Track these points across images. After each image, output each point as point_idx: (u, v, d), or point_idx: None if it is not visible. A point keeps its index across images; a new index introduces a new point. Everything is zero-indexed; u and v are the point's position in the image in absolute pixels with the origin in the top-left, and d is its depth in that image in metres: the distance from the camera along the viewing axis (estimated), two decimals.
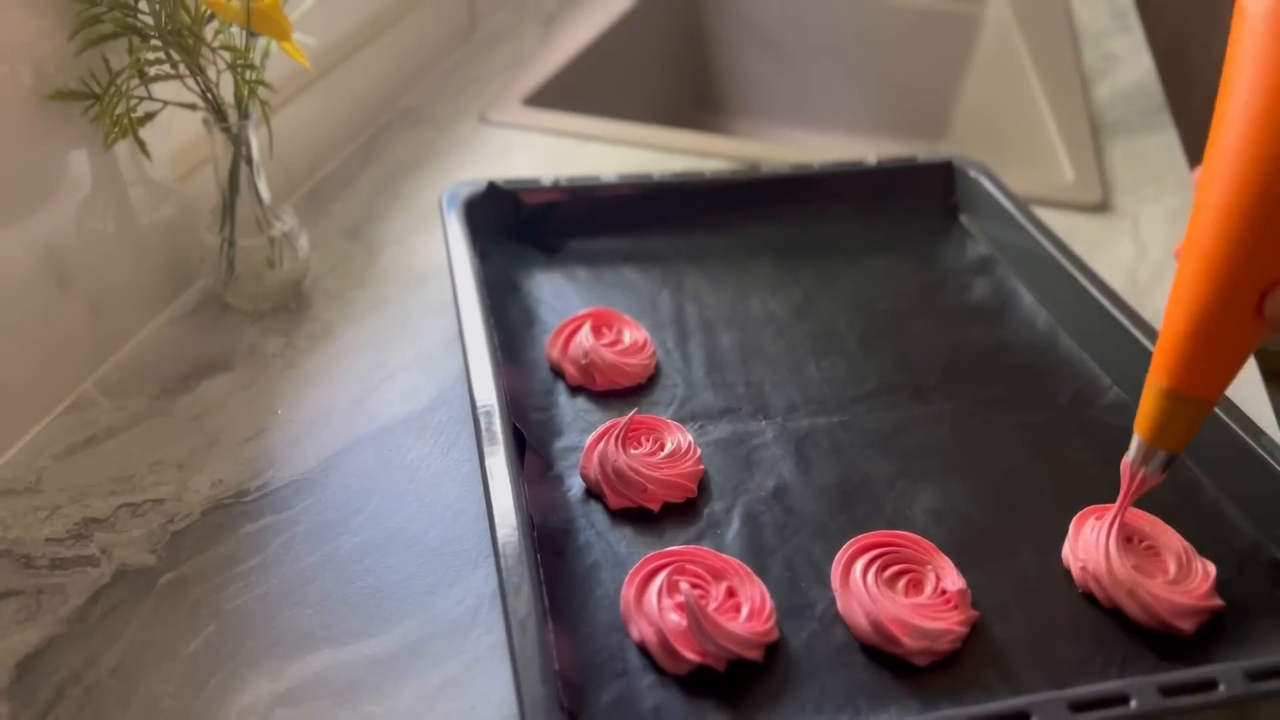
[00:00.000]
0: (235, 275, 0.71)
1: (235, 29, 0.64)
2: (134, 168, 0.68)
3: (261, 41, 0.66)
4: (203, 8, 0.62)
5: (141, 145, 0.64)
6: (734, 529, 0.56)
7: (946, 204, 0.84)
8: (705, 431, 0.62)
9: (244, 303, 0.73)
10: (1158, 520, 0.55)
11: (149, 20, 0.61)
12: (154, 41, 0.61)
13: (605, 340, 0.66)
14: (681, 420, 0.62)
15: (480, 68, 1.12)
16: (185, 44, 0.62)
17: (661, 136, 0.99)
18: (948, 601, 0.50)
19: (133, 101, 0.62)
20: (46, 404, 0.64)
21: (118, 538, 0.56)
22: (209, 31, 0.63)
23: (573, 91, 1.13)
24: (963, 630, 0.50)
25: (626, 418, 0.59)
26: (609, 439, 0.58)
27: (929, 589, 0.51)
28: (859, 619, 0.50)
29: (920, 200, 0.84)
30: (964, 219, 0.84)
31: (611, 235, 0.79)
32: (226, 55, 0.64)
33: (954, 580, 0.51)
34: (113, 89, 0.61)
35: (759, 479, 0.59)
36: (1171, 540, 0.54)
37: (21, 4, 0.57)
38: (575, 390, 0.65)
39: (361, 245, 0.82)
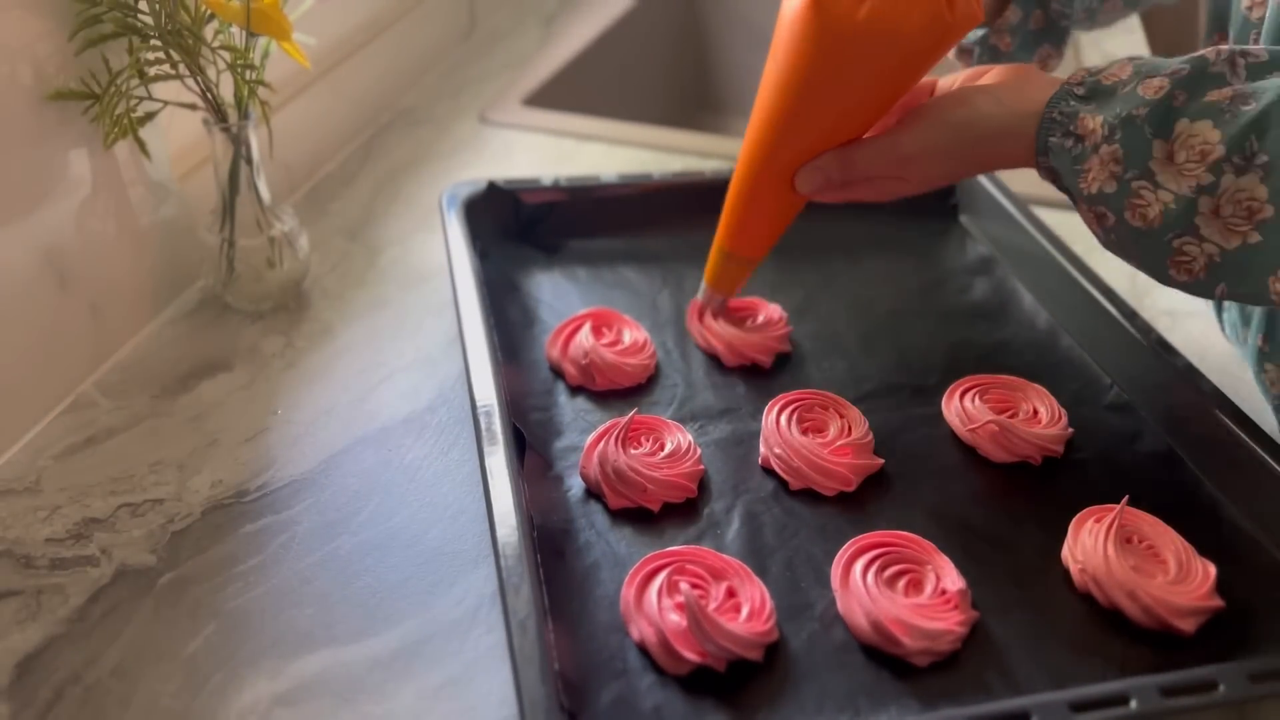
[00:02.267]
0: (235, 275, 0.71)
1: (235, 29, 0.64)
2: (134, 168, 0.67)
3: (261, 41, 0.66)
4: (203, 8, 0.62)
5: (141, 145, 0.64)
6: (734, 529, 0.56)
7: (946, 204, 0.84)
8: (705, 431, 0.62)
9: (244, 303, 0.73)
10: (1158, 521, 0.55)
11: (149, 20, 0.61)
12: (154, 41, 0.61)
13: (605, 340, 0.66)
14: (681, 420, 0.62)
15: (480, 68, 1.12)
16: (185, 44, 0.62)
17: (661, 136, 0.99)
18: (948, 601, 0.50)
19: (133, 101, 0.62)
20: (46, 404, 0.64)
21: (117, 538, 0.56)
22: (209, 31, 0.63)
23: (573, 91, 1.13)
24: (963, 630, 0.50)
25: (626, 418, 0.59)
26: (609, 439, 0.58)
27: (929, 589, 0.51)
28: (859, 619, 0.50)
29: (920, 200, 0.84)
30: (964, 219, 0.83)
31: (611, 235, 0.79)
32: (226, 55, 0.64)
33: (954, 580, 0.51)
34: (113, 89, 0.61)
35: (759, 479, 0.59)
36: (1171, 540, 0.54)
37: (21, 4, 0.57)
38: (575, 390, 0.65)
39: (361, 245, 0.82)
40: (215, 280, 0.72)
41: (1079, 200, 0.54)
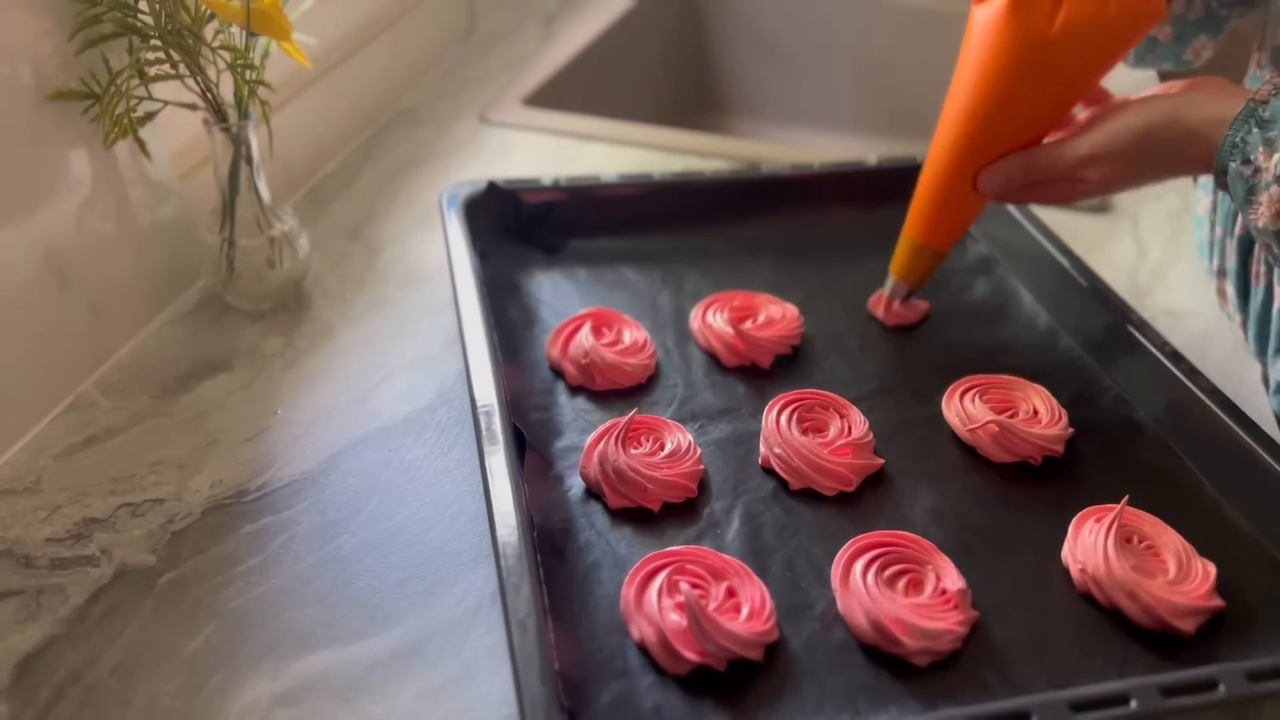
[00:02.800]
0: (235, 275, 0.71)
1: (235, 29, 0.64)
2: (134, 168, 0.67)
3: (261, 41, 0.66)
4: (203, 8, 0.62)
5: (141, 145, 0.64)
6: (734, 529, 0.56)
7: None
8: (705, 431, 0.62)
9: (244, 303, 0.73)
10: (1158, 521, 0.55)
11: (149, 20, 0.60)
12: (154, 41, 0.61)
13: (605, 340, 0.66)
14: (681, 420, 0.62)
15: (480, 68, 1.12)
16: (185, 44, 0.62)
17: (661, 136, 0.99)
18: (948, 601, 0.50)
19: (133, 101, 0.62)
20: (46, 404, 0.64)
21: (118, 538, 0.56)
22: (209, 31, 0.63)
23: (573, 91, 1.13)
24: (962, 630, 0.50)
25: (626, 417, 0.59)
26: (609, 439, 0.58)
27: (929, 589, 0.51)
28: (859, 619, 0.50)
29: None
30: None
31: (612, 235, 0.79)
32: (226, 55, 0.64)
33: (954, 580, 0.51)
34: (113, 89, 0.61)
35: (759, 479, 0.59)
36: (1171, 540, 0.54)
37: (22, 4, 0.57)
38: (575, 390, 0.65)
39: (361, 245, 0.82)
40: (215, 280, 0.72)
41: (1250, 227, 0.55)
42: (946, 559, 0.53)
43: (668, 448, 0.59)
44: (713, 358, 0.68)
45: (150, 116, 0.65)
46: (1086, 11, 0.56)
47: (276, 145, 0.72)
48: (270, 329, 0.72)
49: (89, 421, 0.63)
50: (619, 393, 0.65)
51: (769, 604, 0.50)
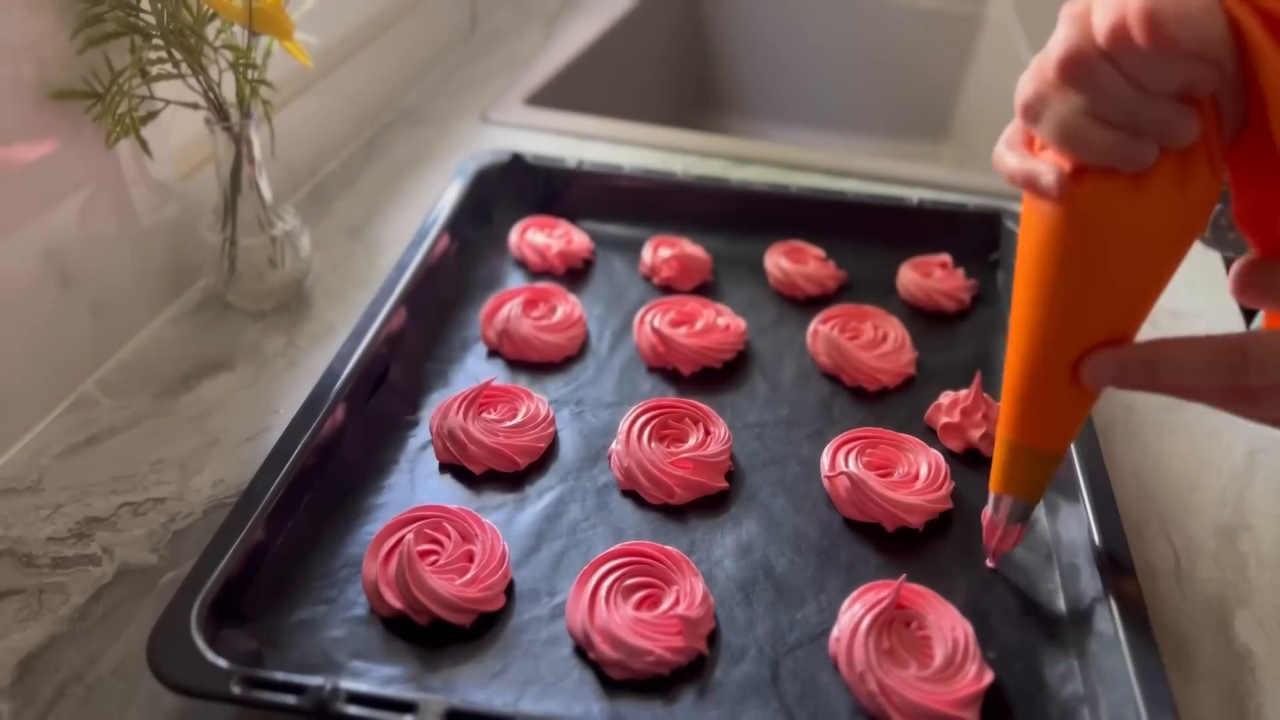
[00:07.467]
0: (237, 274, 0.71)
1: (237, 28, 0.64)
2: (136, 167, 0.68)
3: (263, 41, 0.66)
4: (205, 7, 0.62)
5: (143, 144, 0.64)
6: (537, 508, 0.57)
7: (987, 258, 0.78)
8: (580, 417, 0.63)
9: (245, 302, 0.73)
10: (951, 611, 0.50)
11: (151, 19, 0.61)
12: (156, 41, 0.61)
13: (536, 313, 0.69)
14: (566, 401, 0.64)
15: (481, 67, 1.12)
16: (187, 43, 0.62)
17: (662, 136, 0.99)
18: (671, 625, 0.48)
19: (135, 101, 0.62)
20: (48, 403, 0.64)
21: (119, 537, 0.56)
22: (211, 31, 0.63)
23: (574, 91, 1.13)
24: (670, 657, 0.47)
25: (481, 383, 0.62)
26: (459, 402, 0.60)
27: (663, 608, 0.50)
28: (573, 615, 0.49)
29: (961, 250, 0.77)
30: (1001, 275, 0.77)
31: (624, 224, 0.81)
32: (229, 54, 0.64)
33: (692, 608, 0.49)
34: (115, 88, 0.61)
35: (597, 470, 0.59)
36: (953, 635, 0.48)
37: (24, 4, 0.57)
38: (491, 354, 0.68)
39: (363, 244, 0.82)
40: (217, 279, 0.72)
41: None
42: (699, 582, 0.50)
43: (519, 417, 0.61)
44: (640, 355, 0.68)
45: (152, 116, 0.65)
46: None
47: (278, 144, 0.72)
48: (272, 328, 0.72)
49: (90, 420, 0.63)
50: (527, 365, 0.67)
51: (501, 572, 0.51)
